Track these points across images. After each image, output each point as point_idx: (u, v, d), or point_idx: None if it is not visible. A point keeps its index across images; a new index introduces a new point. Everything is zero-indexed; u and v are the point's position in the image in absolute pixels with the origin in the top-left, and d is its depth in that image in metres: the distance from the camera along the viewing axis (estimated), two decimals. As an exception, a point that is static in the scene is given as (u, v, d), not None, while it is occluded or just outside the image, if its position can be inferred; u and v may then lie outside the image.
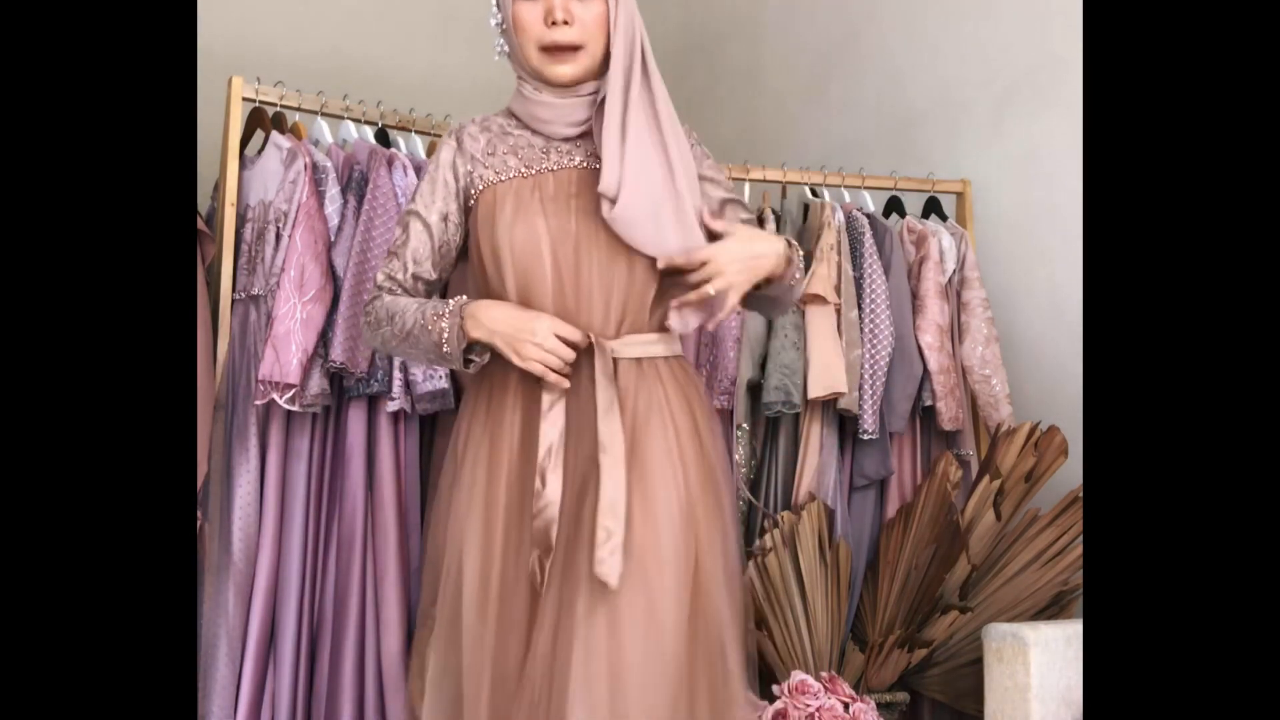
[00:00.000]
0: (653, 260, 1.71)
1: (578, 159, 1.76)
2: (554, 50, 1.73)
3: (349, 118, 2.84)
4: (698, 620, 1.67)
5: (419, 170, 2.72)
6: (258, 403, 2.52)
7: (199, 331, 2.47)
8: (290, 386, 2.50)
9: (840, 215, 2.97)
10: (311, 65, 3.60)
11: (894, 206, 3.22)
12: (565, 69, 1.74)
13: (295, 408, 2.52)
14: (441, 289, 1.89)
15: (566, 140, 1.78)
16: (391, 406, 2.60)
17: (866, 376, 2.88)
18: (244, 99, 2.69)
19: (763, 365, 2.87)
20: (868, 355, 2.88)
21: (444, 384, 2.60)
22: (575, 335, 1.68)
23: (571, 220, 1.71)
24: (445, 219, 1.79)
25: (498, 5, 1.78)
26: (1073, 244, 2.93)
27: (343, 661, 2.54)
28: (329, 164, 2.65)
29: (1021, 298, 3.15)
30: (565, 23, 1.71)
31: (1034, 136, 3.14)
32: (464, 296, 1.74)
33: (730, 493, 1.81)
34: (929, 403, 2.95)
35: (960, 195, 3.26)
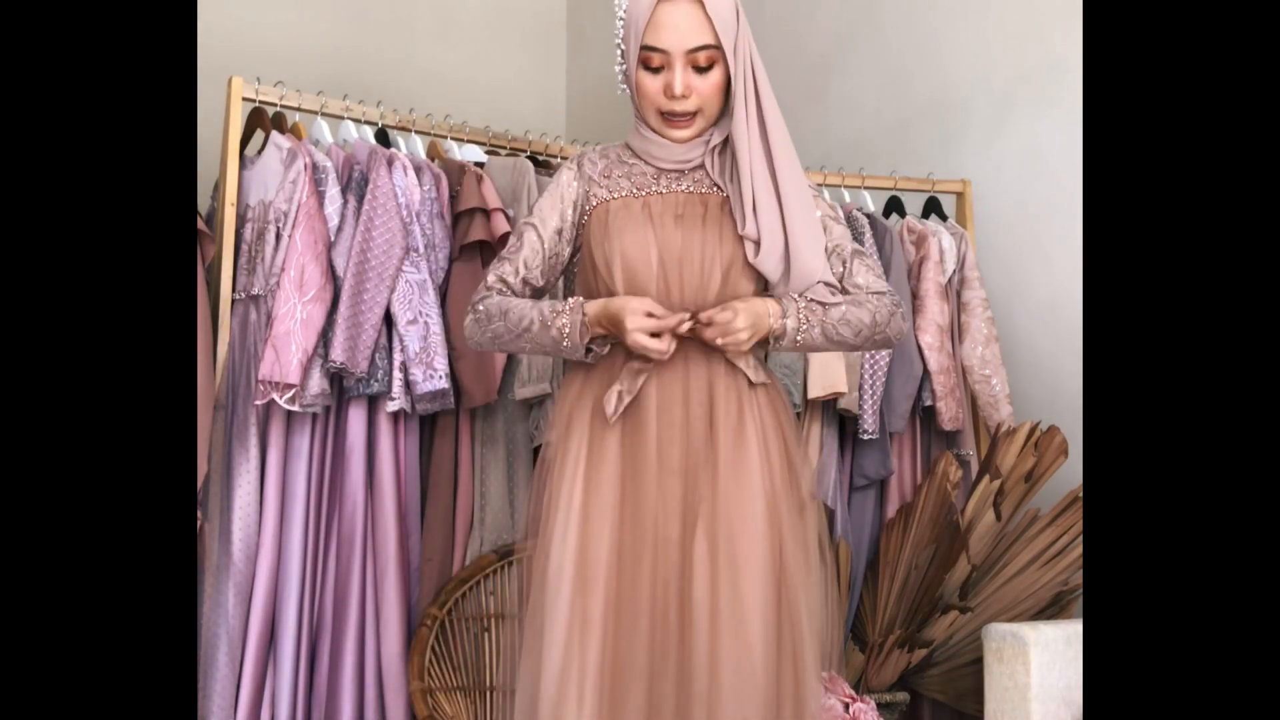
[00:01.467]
0: (749, 270, 1.86)
1: (684, 185, 1.90)
2: (671, 115, 1.86)
3: (349, 118, 2.84)
4: (781, 618, 1.77)
5: (419, 170, 2.72)
6: (258, 403, 2.52)
7: (199, 331, 2.46)
8: (290, 386, 2.50)
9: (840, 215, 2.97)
10: (311, 65, 3.60)
11: (894, 206, 3.22)
12: (682, 133, 1.88)
13: (295, 408, 2.52)
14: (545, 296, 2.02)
15: (674, 170, 1.92)
16: (391, 406, 2.60)
17: (866, 376, 2.88)
18: (244, 99, 2.69)
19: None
20: (867, 355, 2.88)
21: (444, 384, 2.60)
22: (661, 310, 1.78)
23: (676, 232, 1.85)
24: (559, 233, 1.93)
25: (622, 56, 1.88)
26: (1072, 244, 2.93)
27: (343, 661, 2.54)
28: (329, 164, 2.65)
29: (1021, 297, 3.15)
30: (684, 96, 1.83)
31: (1034, 136, 3.14)
32: (580, 297, 1.87)
33: (810, 495, 1.90)
34: (929, 403, 2.95)
35: (960, 195, 3.25)
